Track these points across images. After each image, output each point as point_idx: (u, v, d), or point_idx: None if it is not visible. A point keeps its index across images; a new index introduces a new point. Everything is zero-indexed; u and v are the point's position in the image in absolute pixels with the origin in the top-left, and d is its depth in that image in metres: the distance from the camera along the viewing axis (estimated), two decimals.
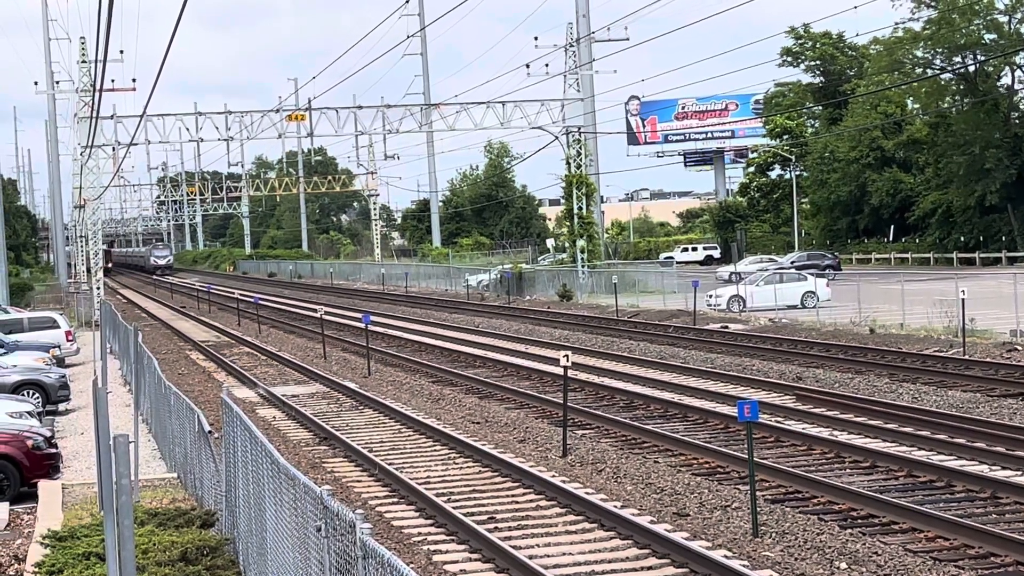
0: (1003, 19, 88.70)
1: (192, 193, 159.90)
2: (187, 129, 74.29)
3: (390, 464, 23.52)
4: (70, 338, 47.94)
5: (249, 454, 14.36)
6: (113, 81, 75.91)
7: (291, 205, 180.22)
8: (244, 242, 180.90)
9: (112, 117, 72.66)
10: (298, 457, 25.04)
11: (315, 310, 55.08)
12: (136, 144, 72.00)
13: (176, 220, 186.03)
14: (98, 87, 38.12)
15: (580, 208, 77.90)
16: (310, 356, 46.71)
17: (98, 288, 75.33)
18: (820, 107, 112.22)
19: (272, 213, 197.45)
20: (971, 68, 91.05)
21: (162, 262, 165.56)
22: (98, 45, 23.21)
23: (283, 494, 12.19)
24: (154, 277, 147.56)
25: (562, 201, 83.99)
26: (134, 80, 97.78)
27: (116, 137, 73.36)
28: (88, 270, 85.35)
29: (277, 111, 77.86)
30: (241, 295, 78.92)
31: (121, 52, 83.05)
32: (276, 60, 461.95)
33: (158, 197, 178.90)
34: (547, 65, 75.67)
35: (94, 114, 53.01)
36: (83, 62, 75.46)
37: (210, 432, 17.67)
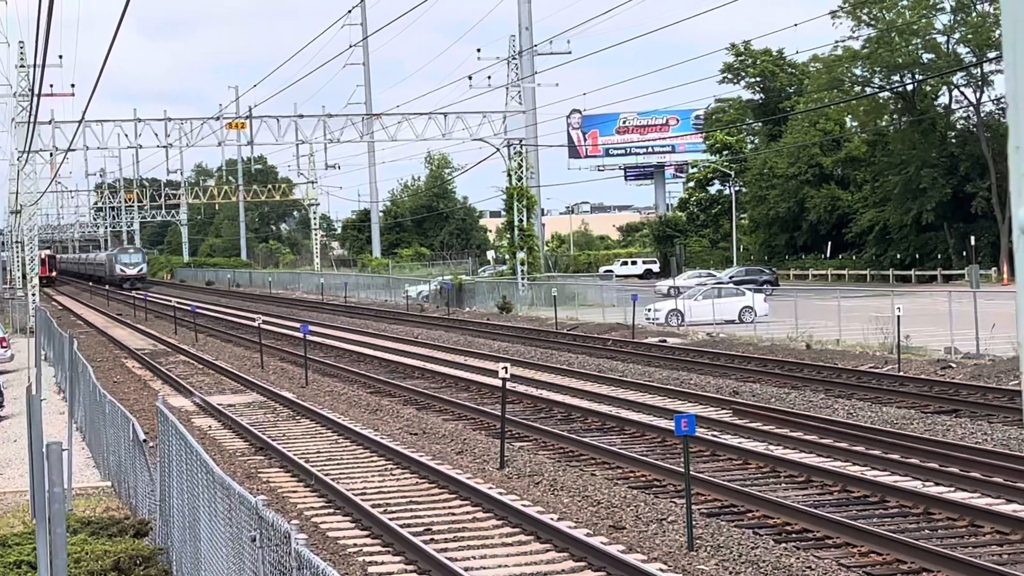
0: (941, 39, 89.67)
1: (130, 200, 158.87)
2: (126, 135, 73.85)
3: (327, 475, 23.42)
4: (4, 344, 47.49)
5: (184, 463, 14.25)
6: (52, 86, 75.24)
7: (230, 213, 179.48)
8: (182, 250, 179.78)
9: (50, 122, 72.07)
10: (234, 467, 24.88)
11: (253, 319, 54.86)
12: (74, 150, 71.62)
13: (113, 227, 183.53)
14: (36, 92, 37.84)
15: (521, 220, 77.98)
16: (247, 365, 46.45)
17: (33, 295, 74.61)
18: (760, 123, 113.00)
19: (211, 221, 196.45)
20: (909, 87, 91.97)
21: (132, 272, 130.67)
22: (37, 49, 23.05)
23: (218, 504, 12.11)
24: (124, 292, 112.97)
25: (503, 213, 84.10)
26: (73, 86, 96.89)
27: (54, 142, 72.76)
28: (23, 276, 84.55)
29: (217, 119, 77.47)
30: (178, 303, 78.42)
31: (60, 57, 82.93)
32: (216, 69, 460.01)
33: (95, 204, 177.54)
34: (489, 77, 75.84)
35: (32, 119, 52.60)
36: (21, 66, 74.84)
37: (145, 441, 17.53)
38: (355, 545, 18.48)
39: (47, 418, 22.78)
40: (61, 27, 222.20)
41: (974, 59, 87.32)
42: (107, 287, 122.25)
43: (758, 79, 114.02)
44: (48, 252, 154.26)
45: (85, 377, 26.49)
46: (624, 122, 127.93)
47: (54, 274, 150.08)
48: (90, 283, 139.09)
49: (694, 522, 17.99)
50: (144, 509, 17.92)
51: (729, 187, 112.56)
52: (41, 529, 10.44)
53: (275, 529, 9.71)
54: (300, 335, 43.40)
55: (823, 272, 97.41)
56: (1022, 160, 1.74)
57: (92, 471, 24.65)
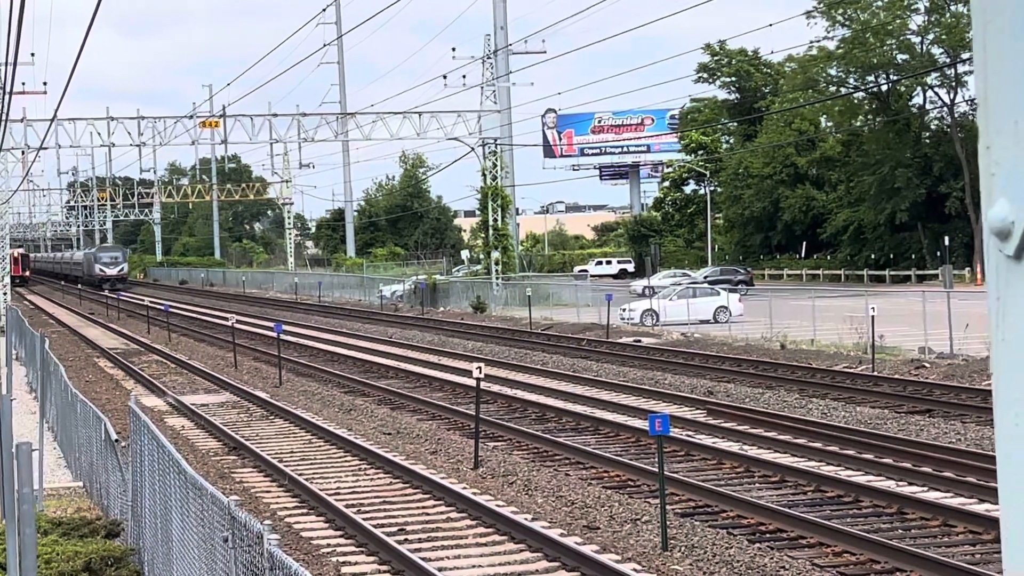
0: (915, 40, 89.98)
1: (103, 199, 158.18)
2: (99, 134, 73.57)
3: (300, 475, 23.36)
4: None
5: (156, 463, 14.19)
6: (24, 84, 74.82)
7: (204, 212, 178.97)
8: (155, 249, 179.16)
9: (22, 120, 71.73)
10: (207, 467, 24.79)
11: (226, 318, 54.70)
12: (46, 148, 71.24)
13: (86, 226, 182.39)
14: (8, 89, 37.66)
15: (495, 220, 77.96)
16: (221, 365, 46.32)
17: (4, 293, 74.27)
18: (735, 123, 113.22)
19: (184, 220, 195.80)
20: (883, 88, 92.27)
21: (112, 271, 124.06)
22: (8, 47, 22.92)
23: (190, 504, 12.05)
24: (104, 293, 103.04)
25: (478, 213, 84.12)
26: (45, 84, 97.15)
27: (26, 141, 72.45)
28: None
29: (191, 117, 77.26)
30: (151, 302, 78.14)
31: (32, 55, 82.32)
32: (190, 67, 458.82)
33: (68, 202, 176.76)
34: (464, 77, 75.88)
35: (3, 117, 52.29)
36: None
37: (117, 441, 17.45)
38: (329, 545, 18.43)
39: (18, 418, 22.65)
40: (33, 24, 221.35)
41: (948, 60, 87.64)
42: (80, 287, 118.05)
43: (733, 79, 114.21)
44: (21, 251, 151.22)
45: (57, 376, 26.37)
46: (599, 122, 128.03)
47: (27, 274, 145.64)
48: (64, 283, 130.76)
49: (668, 522, 17.99)
50: (116, 509, 17.83)
51: (704, 187, 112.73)
52: (11, 530, 10.38)
53: (248, 529, 9.67)
54: (274, 335, 43.30)
55: (798, 272, 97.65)
56: (992, 160, 1.72)
57: (64, 471, 24.53)
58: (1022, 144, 1.72)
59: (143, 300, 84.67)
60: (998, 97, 1.75)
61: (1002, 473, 1.80)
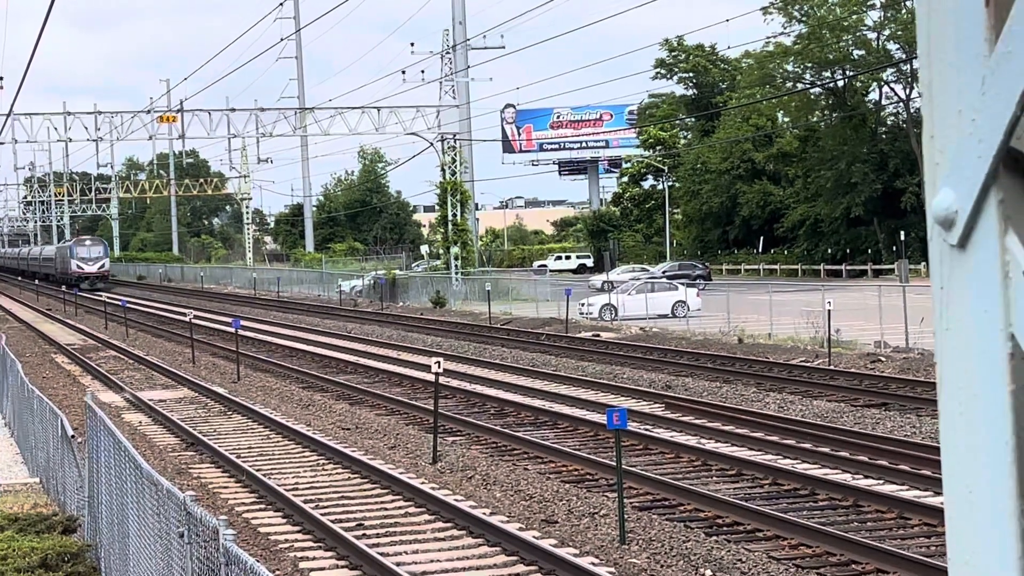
0: (871, 36, 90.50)
1: (60, 194, 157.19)
2: (55, 129, 73.19)
3: (258, 470, 23.29)
4: None
5: (113, 459, 14.13)
6: None
7: (162, 207, 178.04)
8: (113, 244, 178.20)
9: None
10: (164, 463, 24.69)
11: (184, 314, 54.46)
12: (2, 143, 70.79)
13: (43, 221, 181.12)
14: None
15: (454, 215, 77.92)
16: (179, 360, 46.13)
17: None
18: (693, 119, 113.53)
19: (142, 215, 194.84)
20: (840, 83, 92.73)
21: (92, 268, 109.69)
22: None
23: (146, 500, 12.01)
24: (77, 293, 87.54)
25: (437, 208, 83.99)
26: (1, 78, 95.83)
27: None
28: None
29: (148, 112, 76.93)
30: (109, 298, 77.72)
31: None
32: (147, 62, 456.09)
33: (25, 198, 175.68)
34: (423, 71, 75.93)
35: None
36: None
37: (73, 437, 17.36)
38: (286, 541, 18.39)
39: None
40: None
41: (904, 56, 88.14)
42: (62, 288, 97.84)
43: (691, 74, 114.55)
44: None
45: (13, 372, 26.20)
46: (558, 117, 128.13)
47: None
48: (32, 282, 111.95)
49: (626, 515, 18.05)
50: (72, 505, 17.75)
51: (662, 182, 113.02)
52: None
53: (204, 525, 9.65)
54: (232, 330, 43.14)
55: (755, 267, 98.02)
56: (936, 149, 1.74)
57: (20, 467, 24.37)
58: (965, 133, 1.73)
59: (101, 296, 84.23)
60: (942, 86, 1.77)
61: (946, 461, 1.82)
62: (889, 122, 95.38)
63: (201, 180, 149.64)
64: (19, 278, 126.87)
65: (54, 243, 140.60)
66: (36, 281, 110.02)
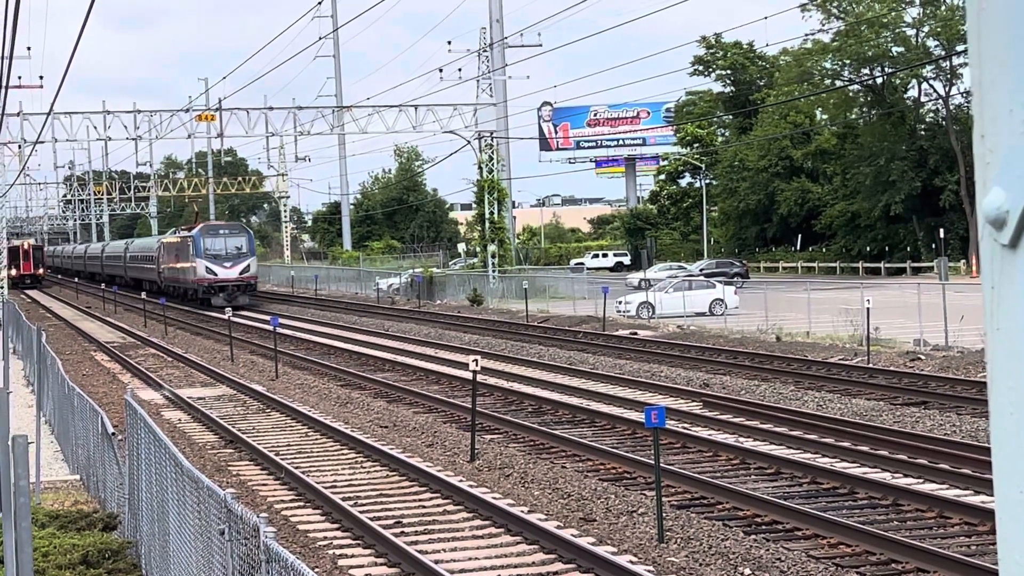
0: (910, 32, 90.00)
1: (99, 192, 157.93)
2: (95, 128, 73.52)
3: (296, 468, 23.37)
4: None
5: (153, 456, 14.20)
6: (20, 78, 74.90)
7: (200, 206, 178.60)
8: None
9: (18, 114, 71.69)
10: (203, 460, 24.80)
11: (223, 312, 54.65)
12: (43, 142, 71.26)
13: (83, 220, 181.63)
14: (4, 84, 37.59)
15: (491, 213, 77.94)
16: (217, 358, 46.31)
17: (1, 287, 74.21)
18: (730, 116, 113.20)
19: (180, 214, 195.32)
20: (879, 80, 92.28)
21: (231, 272, 73.20)
22: (4, 41, 22.89)
23: (187, 497, 12.06)
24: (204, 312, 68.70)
25: (474, 206, 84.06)
26: (41, 77, 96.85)
27: (22, 134, 72.41)
28: None
29: (187, 111, 77.24)
30: (147, 296, 78.08)
31: (28, 49, 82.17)
32: (186, 61, 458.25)
33: (64, 196, 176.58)
34: (460, 70, 75.87)
35: (0, 111, 52.25)
36: None
37: (113, 434, 17.45)
38: (325, 538, 18.44)
39: (15, 411, 22.64)
40: (29, 18, 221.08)
41: (943, 52, 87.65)
42: (160, 299, 65.46)
43: (728, 72, 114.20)
44: (32, 242, 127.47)
45: (54, 370, 26.35)
46: (595, 115, 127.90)
47: (41, 272, 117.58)
48: (112, 289, 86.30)
49: (664, 514, 18.01)
50: (113, 503, 17.84)
51: (700, 180, 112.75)
52: (7, 523, 10.37)
53: (244, 522, 9.68)
54: (270, 328, 43.27)
55: (793, 264, 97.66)
56: (987, 149, 1.73)
57: (61, 465, 24.53)
58: (1017, 132, 1.72)
59: (139, 294, 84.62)
60: (992, 85, 1.76)
61: (996, 461, 1.81)
62: (928, 119, 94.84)
63: (239, 178, 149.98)
64: (75, 279, 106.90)
65: (154, 236, 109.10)
66: (115, 288, 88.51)
